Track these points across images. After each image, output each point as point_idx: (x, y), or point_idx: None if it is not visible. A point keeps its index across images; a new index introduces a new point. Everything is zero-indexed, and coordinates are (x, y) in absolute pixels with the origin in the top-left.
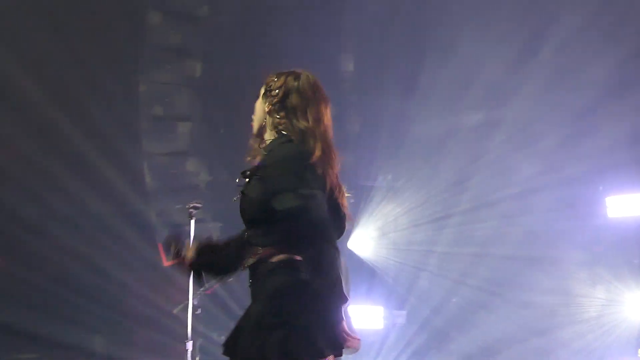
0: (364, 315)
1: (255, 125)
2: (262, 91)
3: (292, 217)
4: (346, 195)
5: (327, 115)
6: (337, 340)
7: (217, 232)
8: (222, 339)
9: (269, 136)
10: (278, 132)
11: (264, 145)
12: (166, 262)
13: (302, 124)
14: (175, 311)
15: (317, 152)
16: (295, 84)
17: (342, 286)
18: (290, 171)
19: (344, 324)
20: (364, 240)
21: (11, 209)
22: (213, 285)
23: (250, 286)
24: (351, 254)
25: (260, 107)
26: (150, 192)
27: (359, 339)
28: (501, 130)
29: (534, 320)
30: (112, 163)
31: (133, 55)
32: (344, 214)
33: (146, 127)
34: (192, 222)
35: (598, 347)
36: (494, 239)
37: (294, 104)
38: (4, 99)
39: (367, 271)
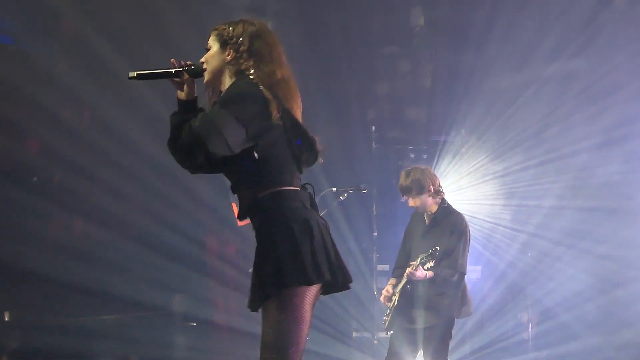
0: None
1: (210, 76)
2: (216, 42)
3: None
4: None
5: (284, 57)
6: (324, 270)
7: None
8: None
9: (228, 83)
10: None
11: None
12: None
13: (269, 67)
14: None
15: (290, 90)
16: (255, 29)
17: (323, 223)
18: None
19: (337, 260)
20: None
21: (89, 172)
22: None
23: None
24: None
25: (218, 57)
26: None
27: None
28: (576, 82)
29: (612, 272)
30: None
31: (206, 16)
32: (314, 139)
33: None
34: None
35: None
36: (571, 191)
37: (260, 49)
38: (88, 67)
39: None
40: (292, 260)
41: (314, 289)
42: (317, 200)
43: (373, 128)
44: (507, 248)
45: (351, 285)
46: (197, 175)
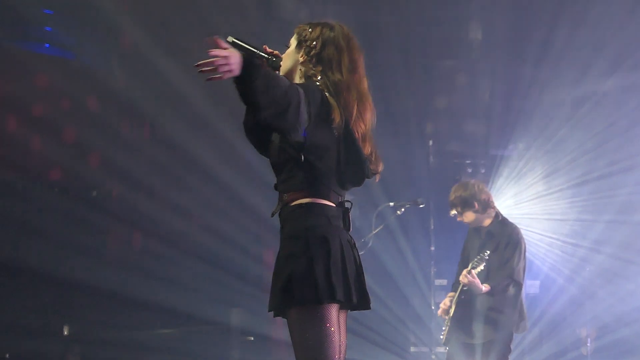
0: None
1: (283, 74)
2: (295, 41)
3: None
4: (373, 146)
5: (362, 66)
6: (338, 289)
7: None
8: None
9: None
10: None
11: None
12: None
13: (336, 76)
14: None
15: (352, 102)
16: (332, 35)
17: (348, 240)
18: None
19: (357, 280)
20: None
21: (148, 187)
22: None
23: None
24: None
25: (293, 56)
26: None
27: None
28: (635, 95)
29: None
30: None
31: (266, 31)
32: (365, 159)
33: None
34: None
35: None
36: (630, 205)
37: (330, 56)
38: (148, 82)
39: None
40: (303, 278)
41: (334, 306)
42: (374, 215)
43: (430, 142)
44: (566, 263)
45: (409, 299)
46: (256, 190)
